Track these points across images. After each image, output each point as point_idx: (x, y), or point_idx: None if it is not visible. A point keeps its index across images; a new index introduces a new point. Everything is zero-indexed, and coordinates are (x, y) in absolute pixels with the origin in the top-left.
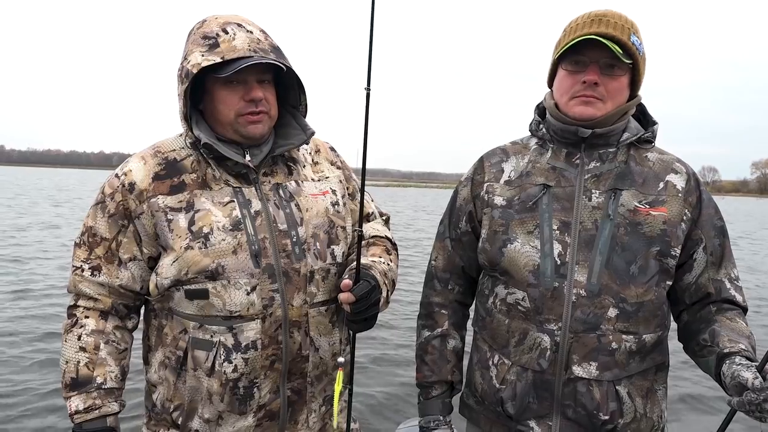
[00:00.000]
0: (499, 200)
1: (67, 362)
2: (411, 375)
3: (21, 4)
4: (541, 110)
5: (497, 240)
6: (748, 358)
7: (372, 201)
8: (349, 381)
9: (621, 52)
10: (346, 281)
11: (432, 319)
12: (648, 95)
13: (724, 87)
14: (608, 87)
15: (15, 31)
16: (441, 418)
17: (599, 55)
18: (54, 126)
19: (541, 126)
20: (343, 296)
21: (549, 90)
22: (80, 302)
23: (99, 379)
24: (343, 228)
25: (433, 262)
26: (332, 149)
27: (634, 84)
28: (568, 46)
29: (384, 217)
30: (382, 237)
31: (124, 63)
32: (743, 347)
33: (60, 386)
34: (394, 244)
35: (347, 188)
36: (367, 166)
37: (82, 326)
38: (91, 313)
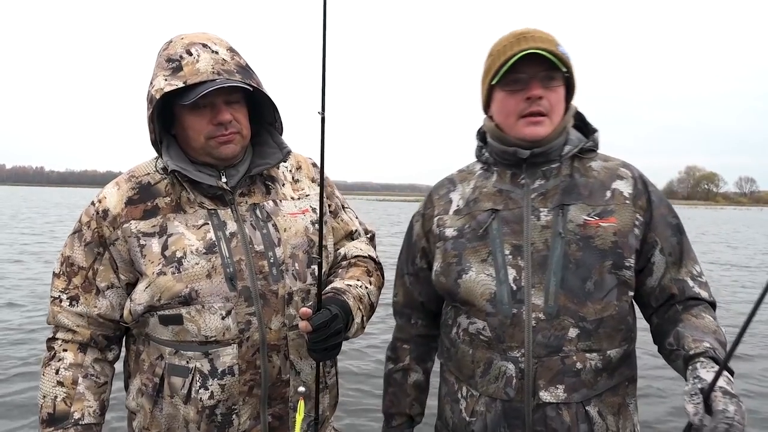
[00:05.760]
0: (449, 231)
1: (44, 397)
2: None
3: (63, 33)
4: (482, 135)
5: (452, 271)
6: (712, 358)
7: (356, 218)
8: (315, 411)
9: (558, 61)
10: (305, 309)
11: (395, 353)
12: (683, 105)
13: (763, 96)
14: (550, 100)
15: (49, 56)
16: None
17: (536, 69)
18: (91, 147)
19: (484, 150)
20: (301, 324)
21: (486, 115)
22: (59, 335)
23: (76, 415)
24: (325, 247)
25: (394, 298)
26: (315, 165)
27: (568, 95)
28: (507, 65)
29: (369, 235)
30: (364, 257)
31: None
32: (708, 345)
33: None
34: (377, 264)
35: (329, 206)
36: (349, 180)
37: (60, 360)
38: (69, 345)
